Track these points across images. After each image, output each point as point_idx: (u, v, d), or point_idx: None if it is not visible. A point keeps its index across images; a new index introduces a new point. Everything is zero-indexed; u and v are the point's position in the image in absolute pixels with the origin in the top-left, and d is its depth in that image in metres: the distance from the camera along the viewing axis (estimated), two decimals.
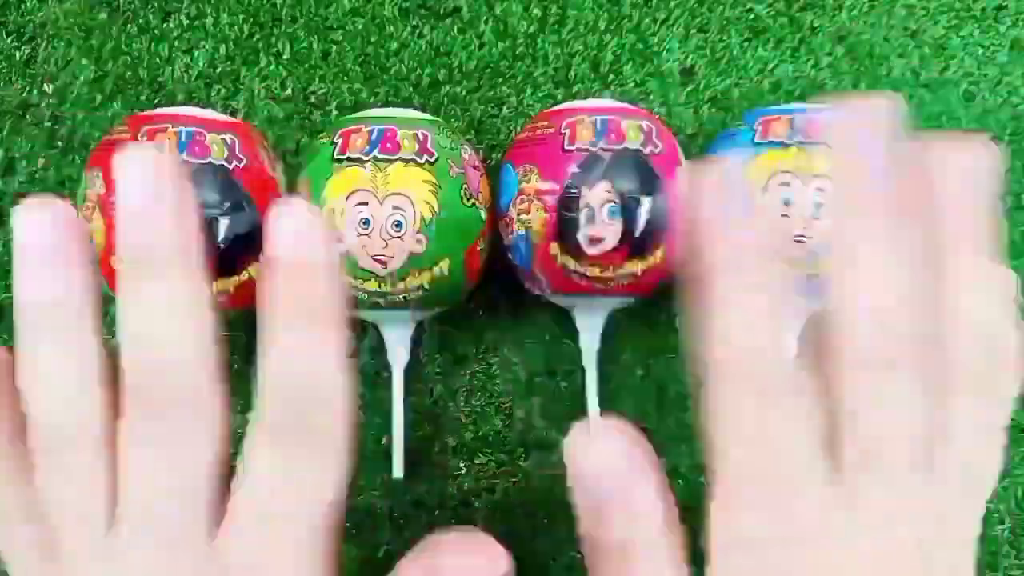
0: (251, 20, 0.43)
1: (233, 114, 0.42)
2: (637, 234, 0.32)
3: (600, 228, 0.31)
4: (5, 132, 0.41)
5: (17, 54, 0.42)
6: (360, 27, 0.43)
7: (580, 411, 0.37)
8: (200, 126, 0.33)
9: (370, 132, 0.33)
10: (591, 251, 0.32)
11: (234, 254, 0.33)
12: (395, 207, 0.32)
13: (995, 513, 0.37)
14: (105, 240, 0.32)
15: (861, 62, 0.43)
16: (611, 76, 0.43)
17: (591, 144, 0.32)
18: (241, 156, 0.33)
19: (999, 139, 0.42)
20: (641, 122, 0.33)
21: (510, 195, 0.34)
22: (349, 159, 0.33)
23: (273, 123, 0.42)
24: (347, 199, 0.33)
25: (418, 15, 0.44)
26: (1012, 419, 0.40)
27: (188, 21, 0.43)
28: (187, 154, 0.32)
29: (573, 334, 0.37)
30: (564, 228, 0.32)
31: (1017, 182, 0.41)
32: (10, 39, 0.43)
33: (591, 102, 0.35)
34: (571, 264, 0.33)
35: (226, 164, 0.33)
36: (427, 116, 0.35)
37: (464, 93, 0.43)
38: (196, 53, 0.43)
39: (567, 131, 0.32)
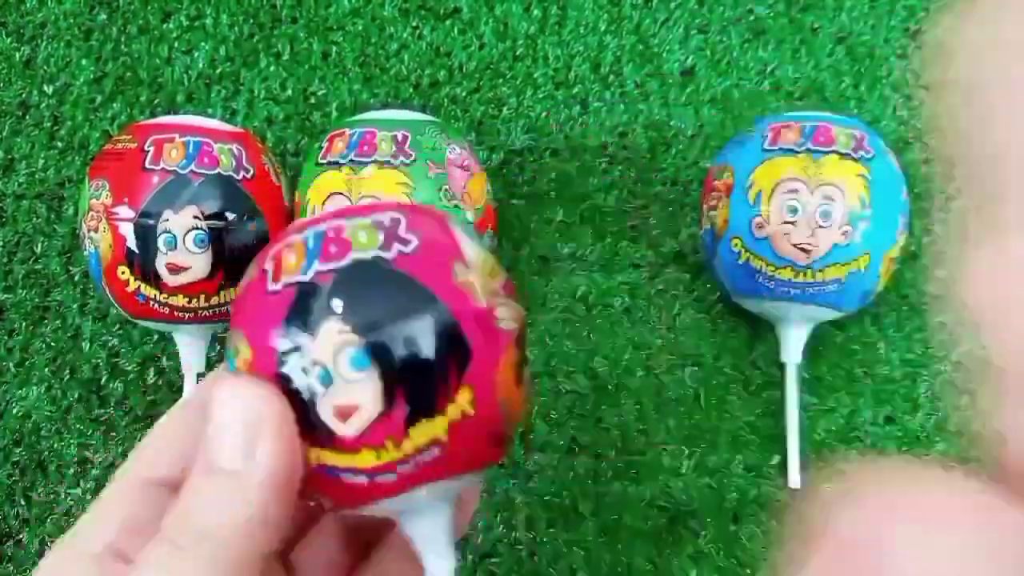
0: (251, 20, 0.43)
1: (233, 114, 0.42)
2: None
3: None
4: (5, 132, 0.41)
5: (17, 54, 0.42)
6: (360, 27, 0.43)
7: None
8: (207, 136, 0.33)
9: (351, 135, 0.33)
10: None
11: (242, 265, 0.33)
12: None
13: None
14: (112, 251, 0.32)
15: (861, 62, 0.43)
16: (611, 77, 0.43)
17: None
18: (248, 166, 0.33)
19: None
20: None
21: None
22: (329, 163, 0.33)
23: (273, 124, 0.42)
24: (324, 202, 0.33)
25: (418, 16, 0.44)
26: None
27: (188, 21, 0.43)
28: (196, 165, 0.32)
29: None
30: None
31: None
32: (10, 39, 0.43)
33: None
34: None
35: (234, 175, 0.33)
36: (420, 116, 0.35)
37: (464, 94, 0.43)
38: (196, 53, 0.43)
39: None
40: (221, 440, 0.17)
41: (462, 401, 0.18)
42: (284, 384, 0.18)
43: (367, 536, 0.24)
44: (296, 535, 0.23)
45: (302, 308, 0.18)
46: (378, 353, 0.17)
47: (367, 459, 0.18)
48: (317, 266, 0.18)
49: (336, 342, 0.17)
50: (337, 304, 0.17)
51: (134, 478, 0.20)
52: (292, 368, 0.17)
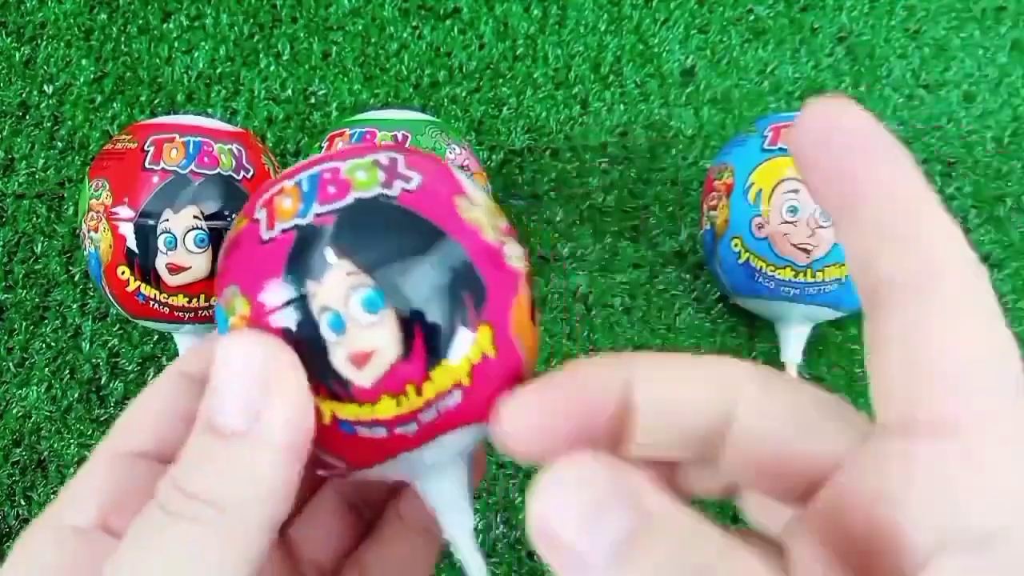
0: (251, 20, 0.43)
1: (233, 114, 0.42)
2: None
3: None
4: (5, 132, 0.41)
5: (17, 54, 0.42)
6: (360, 27, 0.43)
7: None
8: (207, 136, 0.33)
9: (351, 135, 0.34)
10: None
11: None
12: None
13: None
14: (112, 251, 0.32)
15: (861, 63, 0.43)
16: (611, 77, 0.43)
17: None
18: (248, 166, 0.34)
19: (999, 140, 0.42)
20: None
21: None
22: None
23: (273, 124, 0.42)
24: None
25: (418, 16, 0.44)
26: None
27: (188, 21, 0.43)
28: (196, 165, 0.32)
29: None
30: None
31: (1018, 183, 0.41)
32: (10, 39, 0.43)
33: None
34: None
35: (234, 175, 0.33)
36: (420, 116, 0.35)
37: (464, 94, 0.43)
38: (196, 53, 0.43)
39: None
40: (223, 399, 0.16)
41: (482, 341, 0.17)
42: (290, 336, 0.16)
43: (368, 512, 0.23)
44: (295, 508, 0.21)
45: (303, 253, 0.16)
46: (392, 293, 0.16)
47: (387, 408, 0.16)
48: (316, 208, 0.17)
49: (345, 285, 0.16)
50: (343, 245, 0.16)
51: (113, 451, 0.18)
52: (298, 317, 0.16)
